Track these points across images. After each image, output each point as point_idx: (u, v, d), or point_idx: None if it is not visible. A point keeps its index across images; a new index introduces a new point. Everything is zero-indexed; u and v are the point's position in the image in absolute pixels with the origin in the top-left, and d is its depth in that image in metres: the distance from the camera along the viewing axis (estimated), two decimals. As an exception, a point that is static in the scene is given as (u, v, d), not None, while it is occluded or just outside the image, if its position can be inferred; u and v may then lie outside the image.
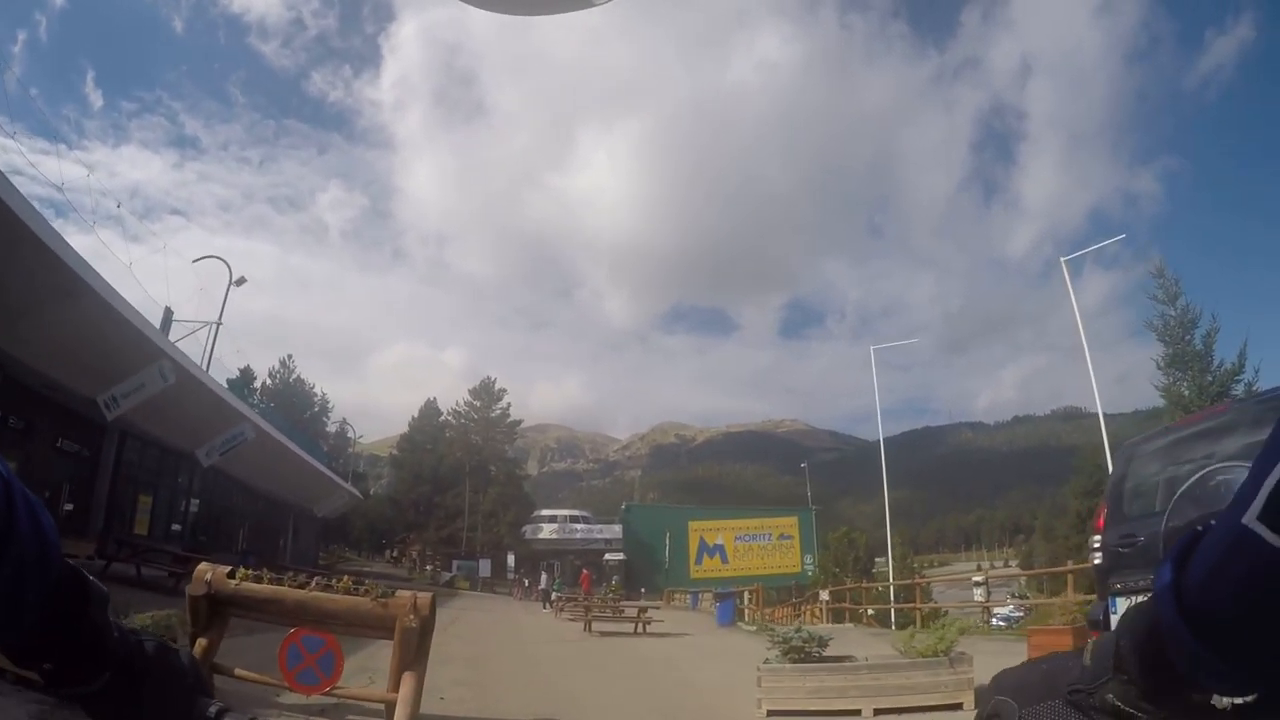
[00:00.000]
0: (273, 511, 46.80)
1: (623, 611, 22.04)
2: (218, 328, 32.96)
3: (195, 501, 35.82)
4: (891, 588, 30.58)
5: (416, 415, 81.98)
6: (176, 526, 33.91)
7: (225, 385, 39.97)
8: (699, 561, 65.23)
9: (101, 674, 0.74)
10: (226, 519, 40.16)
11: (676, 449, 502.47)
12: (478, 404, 77.80)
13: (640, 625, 20.14)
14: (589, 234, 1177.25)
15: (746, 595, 30.55)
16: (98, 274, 19.12)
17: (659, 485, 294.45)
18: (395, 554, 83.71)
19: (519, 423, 78.49)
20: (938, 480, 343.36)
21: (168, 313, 30.80)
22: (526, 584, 52.22)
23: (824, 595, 27.45)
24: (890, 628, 23.37)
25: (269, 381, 78.64)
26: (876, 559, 48.85)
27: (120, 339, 21.06)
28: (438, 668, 9.39)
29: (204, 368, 29.71)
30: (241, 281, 35.22)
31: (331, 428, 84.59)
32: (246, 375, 77.10)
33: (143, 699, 0.78)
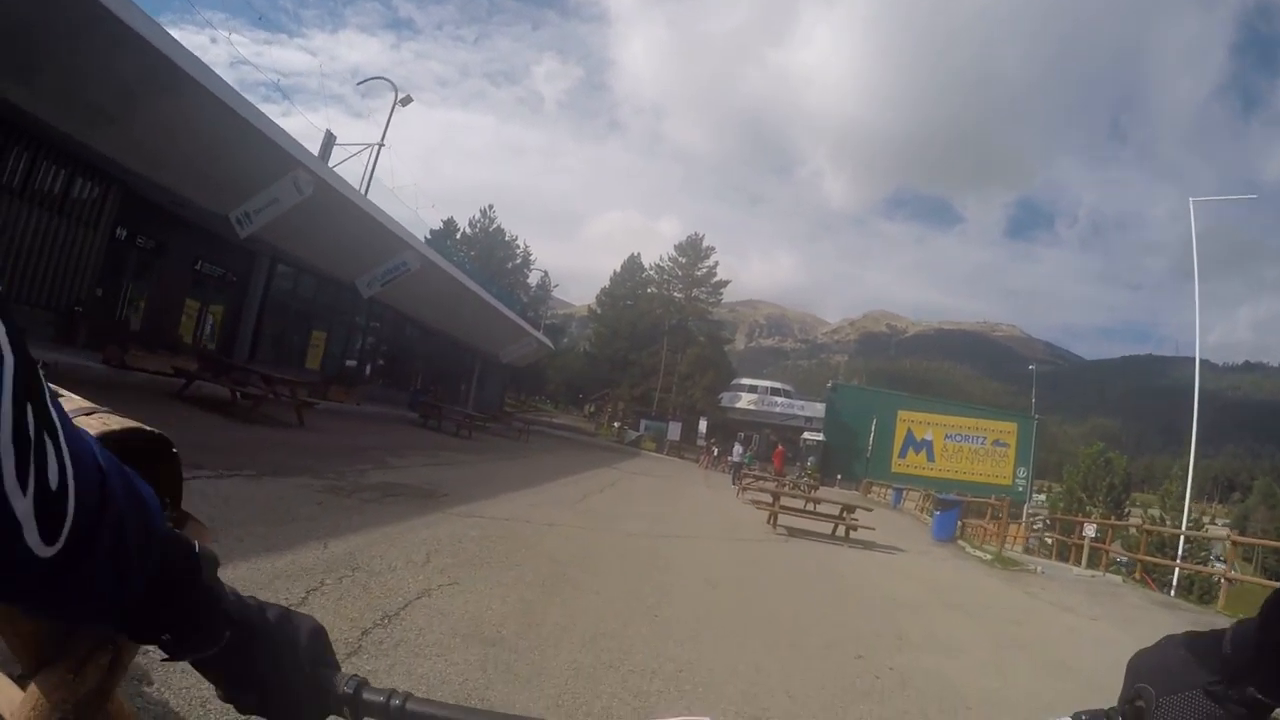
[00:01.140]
0: (454, 354, 44.97)
1: (818, 504, 17.55)
2: (379, 149, 30.04)
3: (369, 339, 34.23)
4: (1181, 541, 25.13)
5: (619, 270, 79.19)
6: (351, 362, 32.61)
7: (426, 238, 38.95)
8: (903, 455, 58.88)
9: (220, 637, 0.73)
10: (403, 358, 38.50)
11: (886, 339, 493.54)
12: (683, 260, 73.08)
13: (843, 529, 15.38)
14: (809, 112, 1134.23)
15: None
16: (219, 78, 16.56)
17: (865, 372, 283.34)
18: (592, 409, 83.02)
19: (725, 283, 73.34)
20: (1151, 413, 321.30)
21: (329, 136, 28.16)
22: (716, 453, 48.32)
23: (1089, 530, 21.70)
24: (1169, 592, 18.58)
25: (468, 230, 77.91)
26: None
27: (252, 151, 18.57)
28: (491, 579, 6.47)
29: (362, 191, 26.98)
30: (407, 100, 32.13)
31: (535, 281, 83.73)
32: (449, 226, 77.40)
33: (261, 665, 0.76)
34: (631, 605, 6.57)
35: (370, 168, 29.47)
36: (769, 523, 15.68)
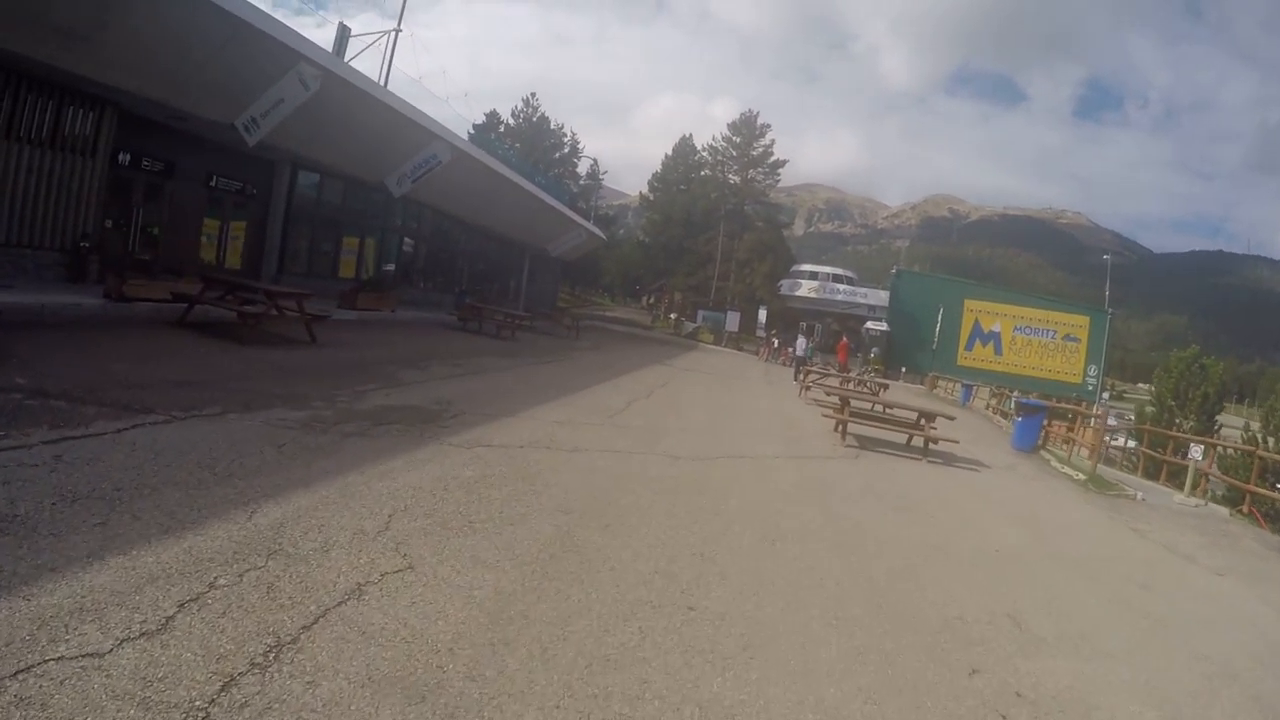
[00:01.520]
0: (501, 251, 43.43)
1: (888, 408, 15.79)
2: (396, 35, 27.90)
3: (408, 241, 32.81)
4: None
5: (670, 153, 76.17)
6: (389, 266, 31.31)
7: (469, 134, 37.02)
8: (969, 347, 55.63)
9: None
10: (446, 259, 37.05)
11: (948, 223, 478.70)
12: (737, 140, 69.42)
13: (921, 440, 13.60)
14: None
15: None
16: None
17: (926, 258, 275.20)
18: (650, 300, 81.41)
19: (782, 163, 69.73)
20: (1218, 313, 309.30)
21: (342, 29, 26.22)
22: (776, 344, 45.92)
23: (1195, 452, 19.10)
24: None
25: (510, 122, 75.20)
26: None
27: (247, 49, 16.78)
28: (466, 554, 4.90)
29: (382, 83, 25.09)
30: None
31: (585, 170, 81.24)
32: (492, 119, 74.67)
33: None
34: (657, 591, 4.83)
35: (388, 57, 27.39)
36: (836, 431, 14.00)
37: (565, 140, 78.76)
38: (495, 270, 43.38)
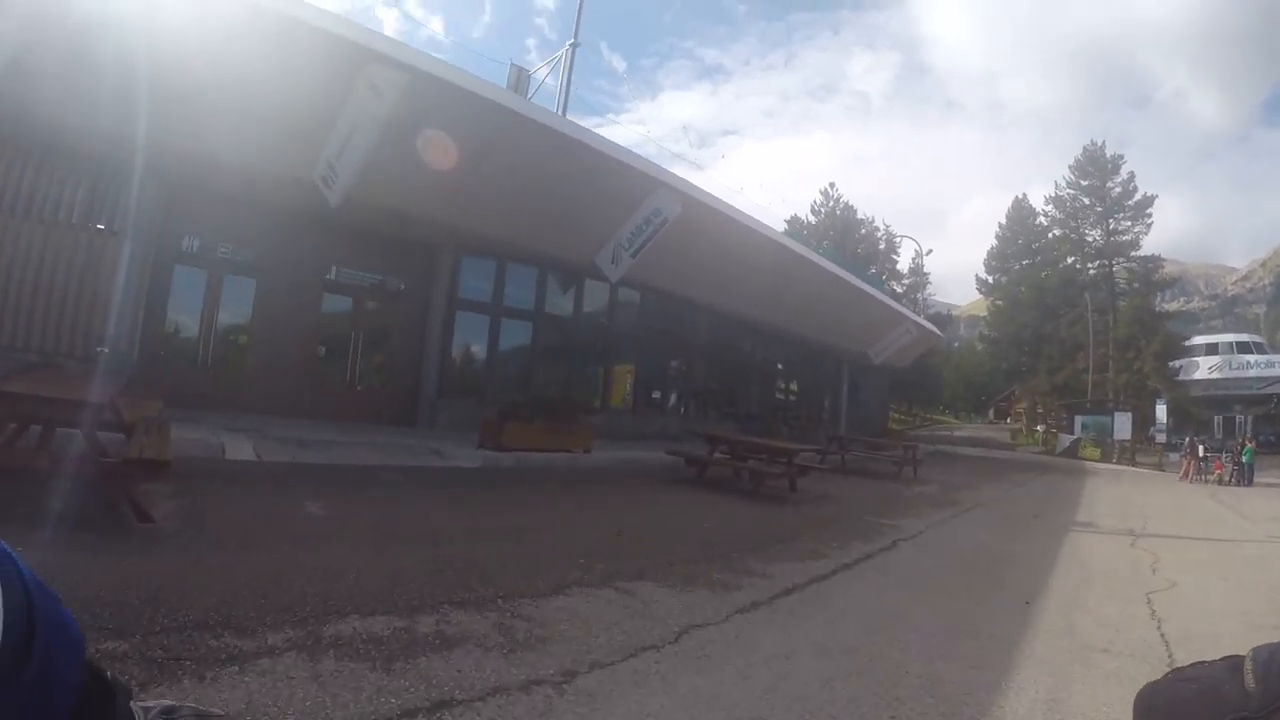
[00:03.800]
0: (806, 360, 34.20)
1: None
2: (574, 49, 20.71)
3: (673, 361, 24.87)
4: None
5: (1004, 221, 64.30)
6: (656, 394, 23.69)
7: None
8: None
9: None
10: (730, 372, 28.35)
11: None
12: (1084, 183, 56.26)
13: None
14: (1152, 24, 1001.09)
15: None
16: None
17: None
18: (1009, 413, 68.67)
19: (1151, 200, 54.66)
20: None
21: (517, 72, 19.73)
22: (1203, 452, 31.84)
23: None
24: None
25: (810, 219, 66.48)
26: None
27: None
28: None
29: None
30: None
31: (906, 267, 70.57)
32: (793, 224, 66.44)
33: None
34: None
35: (565, 79, 20.19)
36: None
37: (879, 233, 68.67)
38: (803, 386, 34.21)
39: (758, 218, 21.77)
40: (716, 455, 14.23)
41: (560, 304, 20.57)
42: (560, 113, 18.78)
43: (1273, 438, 43.21)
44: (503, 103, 13.90)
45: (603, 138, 16.29)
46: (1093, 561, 9.55)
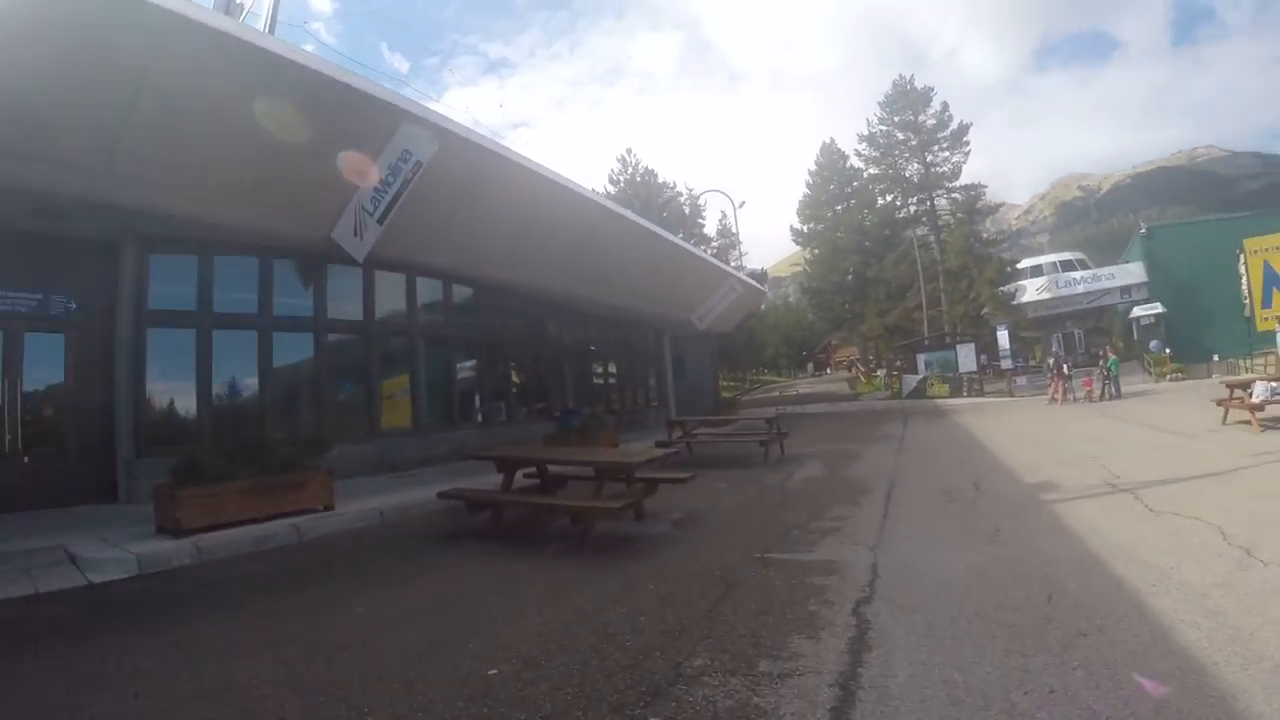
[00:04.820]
0: (622, 337, 29.96)
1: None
2: None
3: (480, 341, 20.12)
4: None
5: (813, 167, 61.94)
6: (445, 405, 18.79)
7: None
8: (1267, 303, 42.40)
9: None
10: (532, 363, 23.73)
11: (1082, 203, 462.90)
12: (897, 119, 54.29)
13: None
14: None
15: None
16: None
17: (1071, 247, 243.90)
18: (822, 364, 67.41)
19: (967, 128, 53.47)
20: None
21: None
22: (1068, 369, 31.38)
23: None
24: None
25: (610, 189, 61.68)
26: None
27: None
28: None
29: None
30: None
31: (712, 231, 67.18)
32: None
33: None
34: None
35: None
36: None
37: (683, 198, 64.53)
38: (623, 366, 30.04)
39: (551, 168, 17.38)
40: (516, 486, 9.80)
41: (298, 304, 15.37)
42: (267, 32, 13.70)
43: (1097, 350, 42.93)
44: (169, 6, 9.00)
45: (324, 59, 11.58)
46: (1164, 563, 6.23)
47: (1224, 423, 15.75)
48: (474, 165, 14.57)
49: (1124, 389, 30.08)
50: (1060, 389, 30.14)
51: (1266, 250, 43.00)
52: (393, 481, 13.68)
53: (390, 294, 17.10)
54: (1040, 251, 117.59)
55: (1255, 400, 15.12)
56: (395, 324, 17.31)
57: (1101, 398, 29.19)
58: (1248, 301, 42.94)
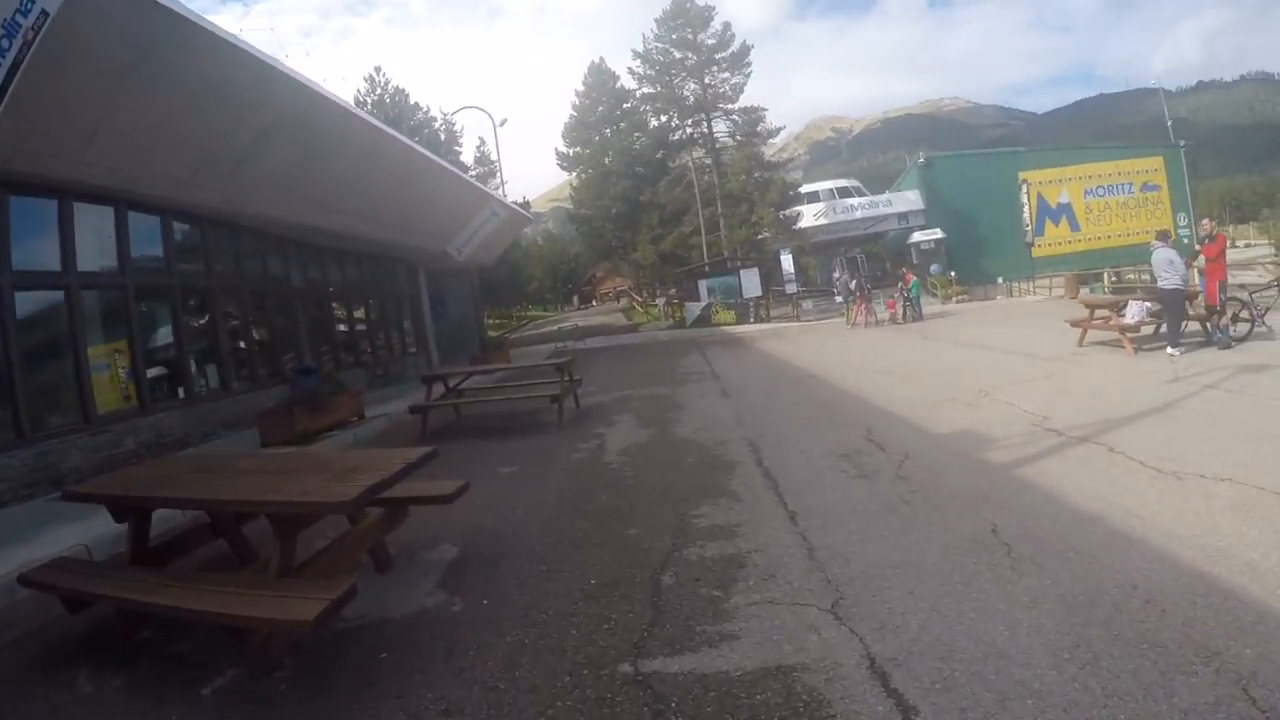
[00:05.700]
0: (370, 276, 25.68)
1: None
2: None
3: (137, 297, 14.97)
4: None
5: (581, 88, 58.20)
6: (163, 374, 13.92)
7: None
8: (1040, 230, 47.57)
9: None
10: (256, 313, 18.82)
11: (835, 143, 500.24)
12: (674, 37, 51.00)
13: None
14: None
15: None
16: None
17: (821, 180, 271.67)
18: (587, 296, 65.35)
19: (750, 49, 51.68)
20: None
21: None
22: (870, 290, 31.79)
23: None
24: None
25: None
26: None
27: None
28: None
29: None
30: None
31: (470, 159, 62.45)
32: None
33: None
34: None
35: None
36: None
37: (438, 123, 58.93)
38: (373, 311, 25.59)
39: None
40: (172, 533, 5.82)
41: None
42: None
43: (879, 273, 46.67)
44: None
45: None
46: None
47: (1081, 344, 15.96)
48: (143, 33, 10.08)
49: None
50: (863, 311, 29.85)
51: (1039, 184, 47.56)
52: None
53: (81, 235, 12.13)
54: (797, 183, 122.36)
55: (1130, 321, 15.31)
56: (89, 276, 12.45)
57: (904, 320, 29.58)
58: (1029, 229, 46.21)
